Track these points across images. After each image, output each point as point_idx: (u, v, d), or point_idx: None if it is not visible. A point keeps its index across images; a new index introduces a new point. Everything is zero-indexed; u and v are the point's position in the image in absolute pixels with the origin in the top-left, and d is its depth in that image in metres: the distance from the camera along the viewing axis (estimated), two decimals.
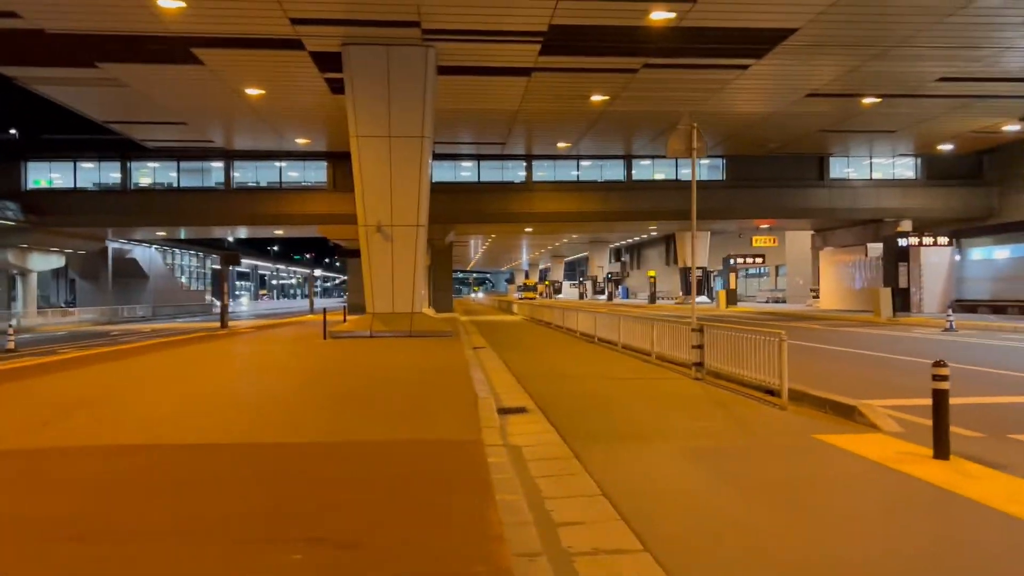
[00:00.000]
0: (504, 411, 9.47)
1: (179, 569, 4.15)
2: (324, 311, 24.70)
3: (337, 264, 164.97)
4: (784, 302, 56.65)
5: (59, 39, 21.19)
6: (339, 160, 36.62)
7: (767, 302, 58.65)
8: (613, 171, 40.46)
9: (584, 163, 40.46)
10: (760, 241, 53.01)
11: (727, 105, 29.28)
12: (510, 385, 12.01)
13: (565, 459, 7.04)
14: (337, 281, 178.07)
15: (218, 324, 30.64)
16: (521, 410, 9.62)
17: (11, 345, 21.34)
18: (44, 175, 39.11)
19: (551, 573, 4.14)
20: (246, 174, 39.01)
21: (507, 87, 26.44)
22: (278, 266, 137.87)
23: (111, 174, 38.90)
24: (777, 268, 62.84)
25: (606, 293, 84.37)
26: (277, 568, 4.14)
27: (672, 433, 8.36)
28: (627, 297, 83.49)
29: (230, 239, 76.36)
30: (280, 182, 38.51)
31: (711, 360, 12.13)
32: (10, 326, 25.30)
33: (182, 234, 54.15)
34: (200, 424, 8.30)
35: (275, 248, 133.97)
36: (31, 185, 38.04)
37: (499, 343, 21.55)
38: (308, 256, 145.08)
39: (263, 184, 39.00)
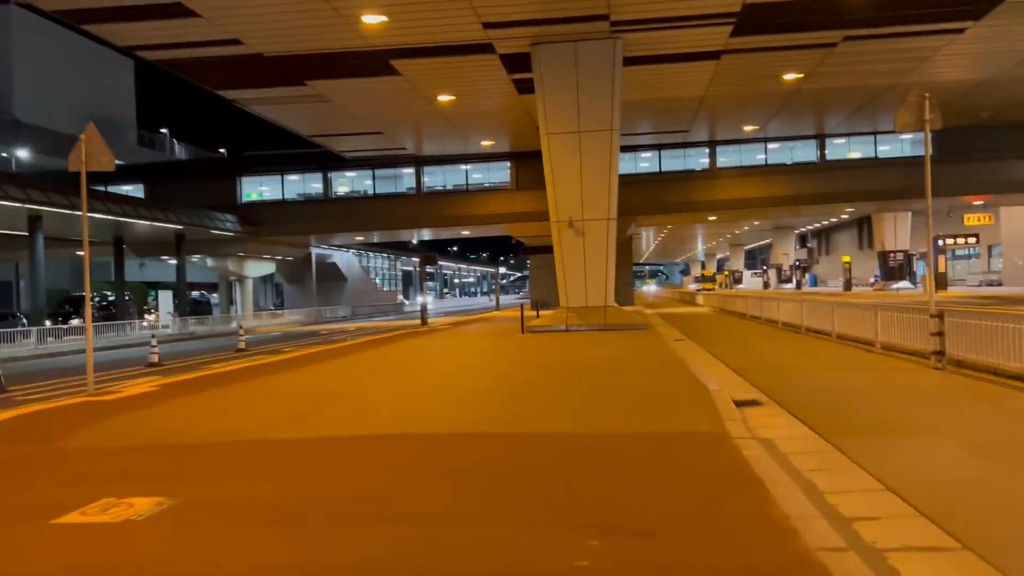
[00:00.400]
0: (737, 404, 9.22)
1: (490, 550, 4.32)
2: (522, 307, 25.33)
3: (511, 261, 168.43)
4: (1000, 284, 51.64)
5: (274, 61, 23.01)
6: (522, 159, 37.35)
7: (980, 285, 53.70)
8: (804, 152, 38.55)
9: (772, 145, 38.82)
10: (972, 219, 48.57)
11: (936, 74, 27.06)
12: (729, 378, 11.68)
13: (825, 452, 6.72)
14: (513, 278, 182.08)
15: (416, 322, 32.11)
16: (754, 403, 9.33)
17: (242, 345, 23.48)
18: (255, 188, 42.73)
19: (868, 570, 3.95)
20: (434, 178, 40.69)
21: (694, 73, 25.84)
22: (460, 265, 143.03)
23: (313, 185, 41.83)
24: (990, 248, 57.39)
25: (793, 281, 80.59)
26: (581, 552, 4.22)
27: (936, 427, 7.79)
28: (815, 285, 79.33)
29: (414, 241, 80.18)
30: (466, 184, 39.84)
31: (953, 349, 11.22)
32: (240, 327, 27.80)
33: (375, 238, 57.41)
34: (448, 414, 8.68)
35: (454, 248, 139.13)
36: (245, 199, 41.66)
37: (696, 335, 21.09)
38: (483, 255, 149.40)
39: (449, 187, 40.52)
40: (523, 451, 6.81)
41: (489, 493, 5.47)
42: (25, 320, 36.30)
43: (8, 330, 27.46)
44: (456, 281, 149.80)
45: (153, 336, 20.93)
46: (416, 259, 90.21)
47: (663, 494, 5.29)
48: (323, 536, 4.68)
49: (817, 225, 78.43)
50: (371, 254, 69.88)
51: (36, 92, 65.15)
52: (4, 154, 49.60)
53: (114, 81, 74.05)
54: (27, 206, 25.83)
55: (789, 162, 38.81)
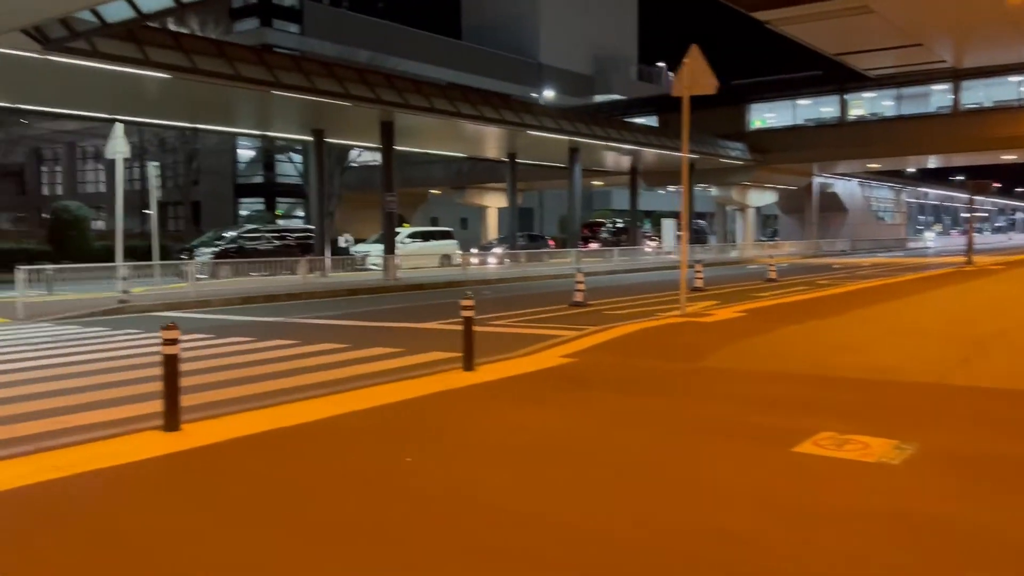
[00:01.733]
0: None
1: None
2: None
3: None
4: None
5: None
6: None
7: None
8: None
9: None
10: None
11: None
12: None
13: None
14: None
15: (952, 259, 28.32)
16: None
17: (772, 275, 23.04)
18: (762, 115, 41.65)
19: None
20: (972, 94, 35.07)
21: None
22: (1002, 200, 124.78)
23: (823, 108, 39.24)
24: None
25: None
26: None
27: None
28: None
29: (910, 169, 71.50)
30: (1020, 99, 33.55)
31: None
32: (770, 259, 27.46)
33: (883, 166, 52.47)
34: None
35: (960, 178, 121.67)
36: (751, 126, 40.89)
37: None
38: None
39: (989, 104, 34.58)
40: None
41: None
42: (551, 242, 40.97)
43: (540, 250, 31.18)
44: (964, 216, 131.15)
45: (698, 262, 21.51)
46: (925, 190, 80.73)
47: None
48: None
49: None
50: (873, 184, 64.27)
51: (555, 36, 72.22)
52: (534, 94, 55.96)
53: (619, 18, 78.58)
54: (570, 138, 28.43)
55: None
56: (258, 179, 53.24)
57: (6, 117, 40.74)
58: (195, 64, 16.73)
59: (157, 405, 6.94)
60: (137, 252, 34.12)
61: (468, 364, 8.07)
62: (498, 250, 34.19)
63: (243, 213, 51.37)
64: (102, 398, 7.37)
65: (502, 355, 8.90)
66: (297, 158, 46.67)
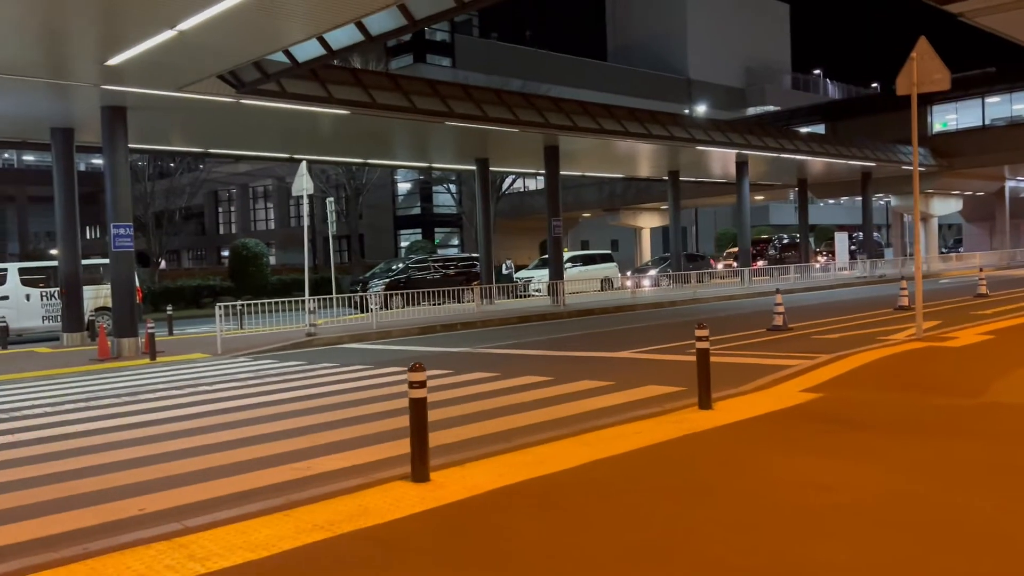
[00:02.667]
0: None
1: None
2: None
3: None
4: None
5: None
6: None
7: None
8: None
9: None
10: None
11: None
12: None
13: None
14: None
15: None
16: None
17: (983, 290, 20.80)
18: (944, 117, 38.44)
19: None
20: None
21: None
22: None
23: (1016, 106, 35.72)
24: None
25: None
26: None
27: None
28: None
29: None
30: None
31: None
32: (980, 269, 24.94)
33: None
34: None
35: None
36: (934, 130, 37.80)
37: None
38: None
39: None
40: None
41: None
42: (713, 262, 39.33)
43: (702, 271, 29.75)
44: None
45: (903, 279, 19.69)
46: None
47: None
48: None
49: None
50: None
51: (704, 50, 70.44)
52: (685, 111, 54.57)
53: (770, 28, 75.77)
54: (739, 150, 27.07)
55: None
56: (415, 210, 54.68)
57: (192, 163, 43.90)
58: (373, 99, 16.95)
59: (393, 447, 6.60)
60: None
61: (705, 402, 7.27)
62: (653, 272, 33.10)
63: (403, 244, 52.84)
64: (333, 440, 7.10)
65: (729, 390, 8.05)
66: (453, 188, 47.51)
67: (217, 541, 4.33)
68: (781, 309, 14.40)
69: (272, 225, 60.37)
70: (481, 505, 4.79)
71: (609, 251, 35.80)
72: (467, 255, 31.19)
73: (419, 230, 53.48)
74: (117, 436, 7.68)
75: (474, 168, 26.24)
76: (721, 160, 28.99)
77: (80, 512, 5.23)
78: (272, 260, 45.97)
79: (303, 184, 17.61)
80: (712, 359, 11.10)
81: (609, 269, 32.43)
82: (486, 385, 9.79)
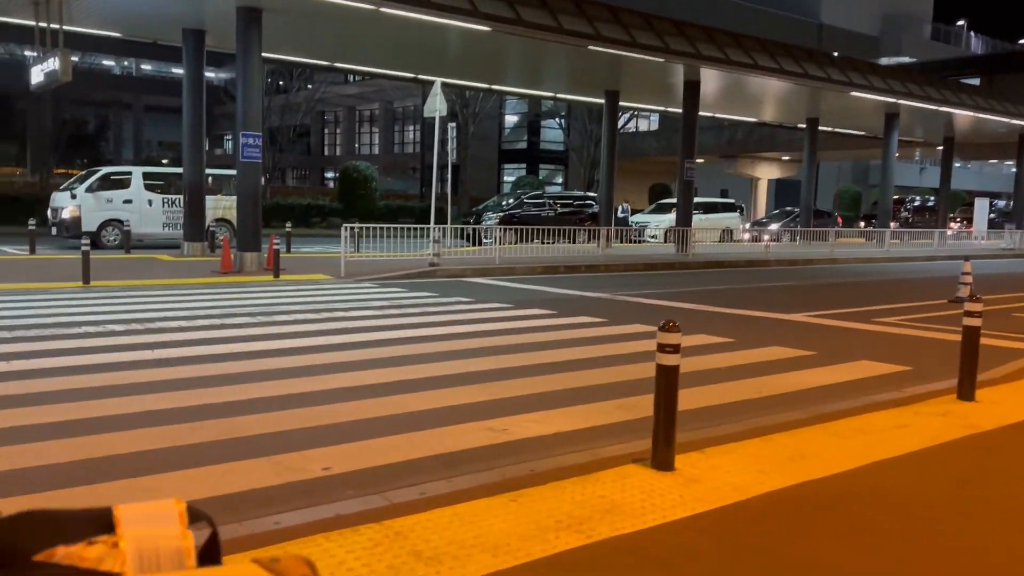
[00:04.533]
0: None
1: None
2: None
3: None
4: None
5: None
6: None
7: None
8: None
9: None
10: None
11: None
12: None
13: None
14: None
15: None
16: None
17: None
18: None
19: None
20: None
21: None
22: None
23: None
24: None
25: None
26: None
27: None
28: None
29: None
30: None
31: None
32: None
33: None
34: None
35: None
36: None
37: None
38: None
39: None
40: None
41: None
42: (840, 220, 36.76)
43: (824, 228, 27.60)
44: None
45: None
46: None
47: None
48: None
49: None
50: None
51: None
52: None
53: None
54: (897, 100, 24.54)
55: None
56: (521, 145, 53.26)
57: (305, 82, 43.54)
58: (519, 15, 15.63)
59: (593, 412, 5.55)
60: (415, 213, 34.95)
61: (967, 391, 5.95)
62: (775, 227, 31.01)
63: (505, 179, 51.72)
64: (514, 394, 6.04)
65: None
66: (559, 124, 45.83)
67: (440, 531, 3.37)
68: (969, 279, 12.67)
69: (376, 150, 60.02)
70: (761, 516, 3.69)
71: (733, 200, 33.72)
72: (583, 193, 29.81)
73: (523, 165, 52.14)
74: (265, 364, 6.88)
75: (599, 101, 24.69)
76: (869, 109, 26.51)
77: (255, 463, 4.36)
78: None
79: (436, 104, 16.56)
80: (901, 331, 9.73)
81: (731, 219, 30.60)
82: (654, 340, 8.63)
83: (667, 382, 4.12)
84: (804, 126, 30.08)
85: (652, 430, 4.21)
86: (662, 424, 4.14)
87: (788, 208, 36.25)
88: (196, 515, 0.57)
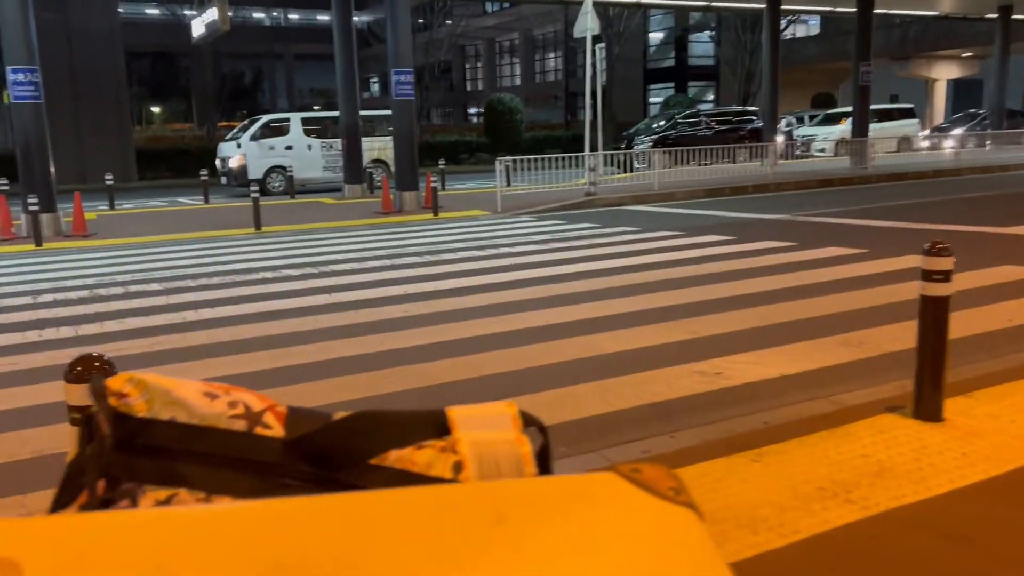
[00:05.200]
0: None
1: None
2: None
3: None
4: None
5: None
6: None
7: None
8: None
9: None
10: None
11: None
12: None
13: None
14: None
15: None
16: None
17: None
18: None
19: None
20: None
21: None
22: None
23: None
24: None
25: None
26: None
27: None
28: None
29: None
30: None
31: None
32: None
33: None
34: None
35: None
36: None
37: None
38: None
39: None
40: None
41: None
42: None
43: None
44: None
45: None
46: None
47: None
48: None
49: None
50: None
51: None
52: None
53: None
54: None
55: None
56: (667, 63, 50.85)
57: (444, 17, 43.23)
58: None
59: (815, 351, 4.84)
60: (561, 143, 34.20)
61: None
62: (958, 131, 27.89)
63: (651, 100, 49.70)
64: (713, 332, 5.45)
65: None
66: (704, 39, 43.20)
67: None
68: None
69: (518, 81, 59.21)
70: None
71: (911, 105, 30.66)
72: (741, 108, 27.96)
73: (671, 84, 49.82)
74: (441, 305, 6.61)
75: (755, 6, 22.79)
76: None
77: None
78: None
79: (587, 23, 15.66)
80: None
81: (910, 126, 27.86)
82: (859, 265, 7.71)
83: (936, 316, 3.39)
84: (995, 15, 26.65)
85: (915, 373, 3.51)
86: (928, 366, 3.44)
87: (973, 111, 32.65)
88: (528, 419, 0.54)
